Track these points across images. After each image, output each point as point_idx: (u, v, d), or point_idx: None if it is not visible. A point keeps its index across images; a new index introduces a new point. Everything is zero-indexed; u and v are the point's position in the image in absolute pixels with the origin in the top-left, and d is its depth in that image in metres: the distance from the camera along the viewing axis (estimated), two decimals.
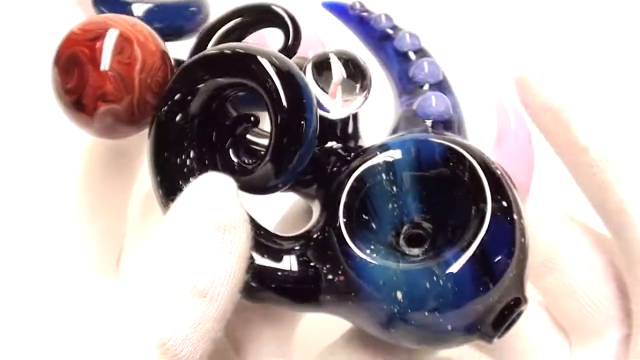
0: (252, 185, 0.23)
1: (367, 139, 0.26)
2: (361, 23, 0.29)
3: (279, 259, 0.23)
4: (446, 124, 0.25)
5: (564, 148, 0.25)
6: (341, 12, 0.29)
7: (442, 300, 0.21)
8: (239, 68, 0.22)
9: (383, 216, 0.23)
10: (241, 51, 0.22)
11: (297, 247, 0.23)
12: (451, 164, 0.22)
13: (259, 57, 0.22)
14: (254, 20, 0.26)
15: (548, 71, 0.26)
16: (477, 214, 0.21)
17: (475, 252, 0.21)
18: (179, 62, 0.26)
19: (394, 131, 0.26)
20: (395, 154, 0.23)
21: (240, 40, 0.26)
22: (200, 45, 0.26)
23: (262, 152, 0.23)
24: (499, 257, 0.21)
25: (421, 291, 0.21)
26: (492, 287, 0.21)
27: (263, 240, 0.23)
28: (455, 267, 0.21)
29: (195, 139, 0.23)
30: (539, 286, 0.26)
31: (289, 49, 0.25)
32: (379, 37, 0.28)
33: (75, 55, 0.23)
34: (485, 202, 0.21)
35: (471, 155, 0.22)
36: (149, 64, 0.24)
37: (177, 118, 0.23)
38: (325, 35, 0.29)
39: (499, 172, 0.22)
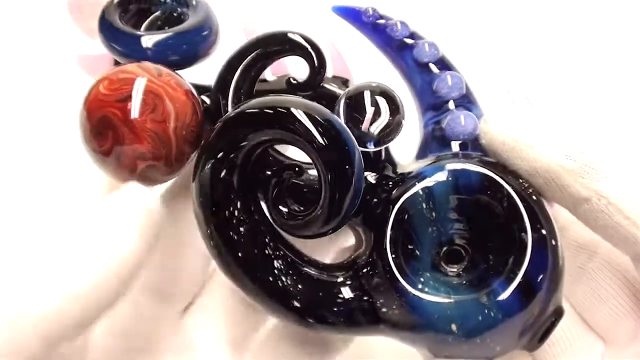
0: (304, 232, 0.23)
1: (398, 159, 0.26)
2: (376, 30, 0.28)
3: (333, 292, 0.24)
4: (474, 141, 0.26)
5: (567, 204, 0.24)
6: (354, 17, 0.29)
7: (493, 328, 0.22)
8: (280, 125, 0.22)
9: (425, 240, 0.24)
10: (281, 109, 0.22)
11: (349, 279, 0.24)
12: (489, 192, 0.23)
13: (299, 114, 0.22)
14: (274, 51, 0.25)
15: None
16: (518, 243, 0.23)
17: (520, 281, 0.22)
18: (197, 87, 0.26)
19: (423, 151, 0.26)
20: (433, 183, 0.24)
21: (262, 71, 0.26)
22: (223, 81, 0.25)
23: (311, 199, 0.23)
24: (540, 282, 0.22)
25: (474, 322, 0.22)
26: (536, 310, 0.22)
27: (312, 270, 0.24)
28: (503, 297, 0.22)
29: (240, 190, 0.23)
30: (569, 291, 0.27)
31: (316, 79, 0.25)
32: (397, 46, 0.28)
33: (107, 118, 0.23)
34: (525, 232, 0.23)
35: (507, 183, 0.23)
36: (182, 116, 0.24)
37: (222, 174, 0.23)
38: (340, 41, 0.29)
39: (534, 198, 0.23)
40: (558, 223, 0.24)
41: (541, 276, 0.22)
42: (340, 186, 0.22)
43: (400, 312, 0.23)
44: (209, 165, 0.23)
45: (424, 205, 0.24)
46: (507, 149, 0.24)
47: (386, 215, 0.24)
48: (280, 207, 0.24)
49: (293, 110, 0.22)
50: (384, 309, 0.23)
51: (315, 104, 0.22)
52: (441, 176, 0.24)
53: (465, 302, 0.23)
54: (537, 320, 0.23)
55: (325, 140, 0.22)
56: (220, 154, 0.23)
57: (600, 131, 0.25)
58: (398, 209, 0.24)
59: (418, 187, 0.24)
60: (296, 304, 0.24)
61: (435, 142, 0.26)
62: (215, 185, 0.23)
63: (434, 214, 0.24)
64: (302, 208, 0.24)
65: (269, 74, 0.29)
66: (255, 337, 0.28)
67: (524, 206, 0.23)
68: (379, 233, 0.24)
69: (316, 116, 0.22)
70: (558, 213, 0.26)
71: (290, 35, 0.25)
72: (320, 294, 0.24)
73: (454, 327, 0.22)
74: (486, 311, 0.22)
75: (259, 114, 0.22)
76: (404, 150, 0.27)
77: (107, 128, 0.23)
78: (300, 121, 0.22)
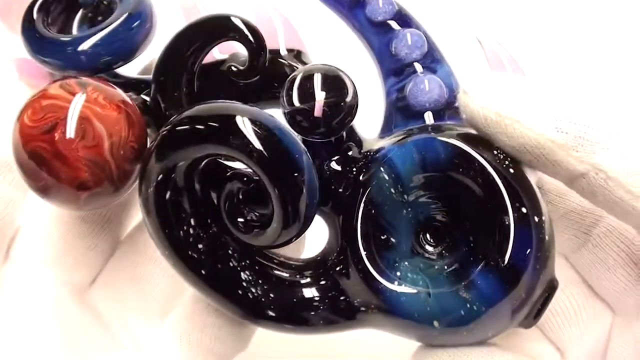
0: (266, 243, 0.22)
1: (364, 134, 0.24)
2: None
3: (307, 296, 0.23)
4: (444, 108, 0.23)
5: (562, 179, 0.22)
6: None
7: (477, 319, 0.21)
8: (215, 141, 0.20)
9: (400, 225, 0.22)
10: (214, 123, 0.20)
11: (323, 279, 0.23)
12: (461, 168, 0.21)
13: (234, 127, 0.20)
14: (214, 35, 0.23)
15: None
16: (498, 226, 0.21)
17: (502, 268, 0.21)
18: (138, 83, 0.24)
19: (387, 124, 0.24)
20: (399, 164, 0.22)
21: (202, 59, 0.24)
22: (160, 77, 0.23)
23: (265, 213, 0.22)
24: (525, 263, 0.21)
25: (456, 316, 0.21)
26: (523, 292, 0.21)
27: (285, 273, 0.23)
28: (484, 287, 0.21)
29: (192, 206, 0.22)
30: (573, 258, 0.25)
31: (258, 63, 0.23)
32: (348, 5, 0.25)
33: (37, 154, 0.21)
34: (506, 213, 0.21)
35: (481, 156, 0.21)
36: (116, 134, 0.22)
37: (167, 196, 0.22)
38: (287, 6, 0.26)
39: (512, 171, 0.21)
40: (557, 188, 0.22)
41: (525, 258, 0.21)
42: (292, 195, 0.20)
43: (379, 311, 0.22)
44: (151, 190, 0.21)
45: (392, 191, 0.22)
46: (491, 124, 0.21)
47: (353, 208, 0.22)
48: (238, 219, 0.22)
49: (227, 123, 0.20)
50: (362, 308, 0.22)
51: (249, 111, 0.20)
52: (406, 155, 0.22)
53: (445, 296, 0.21)
54: (527, 300, 0.21)
55: (267, 153, 0.20)
56: (160, 177, 0.21)
57: (595, 97, 0.22)
58: (365, 200, 0.22)
59: (384, 172, 0.22)
60: (270, 313, 0.22)
61: (399, 113, 0.24)
62: (162, 208, 0.22)
63: (405, 197, 0.22)
64: (260, 213, 0.22)
65: (217, 52, 0.26)
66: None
67: (502, 182, 0.21)
68: (349, 227, 0.22)
69: (254, 127, 0.20)
70: None
71: (220, 19, 0.23)
72: (294, 299, 0.23)
73: (436, 323, 0.21)
74: (468, 305, 0.21)
75: (190, 131, 0.20)
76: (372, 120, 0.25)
77: (39, 164, 0.21)
78: (236, 134, 0.20)
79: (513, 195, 0.21)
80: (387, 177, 0.22)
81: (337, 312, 0.23)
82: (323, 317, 0.23)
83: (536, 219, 0.21)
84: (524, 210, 0.21)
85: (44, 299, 0.25)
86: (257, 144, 0.20)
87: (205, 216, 0.22)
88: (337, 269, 0.23)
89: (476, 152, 0.21)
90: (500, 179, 0.21)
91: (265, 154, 0.20)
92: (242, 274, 0.22)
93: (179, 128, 0.21)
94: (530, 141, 0.21)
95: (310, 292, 0.23)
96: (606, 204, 0.21)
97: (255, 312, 0.22)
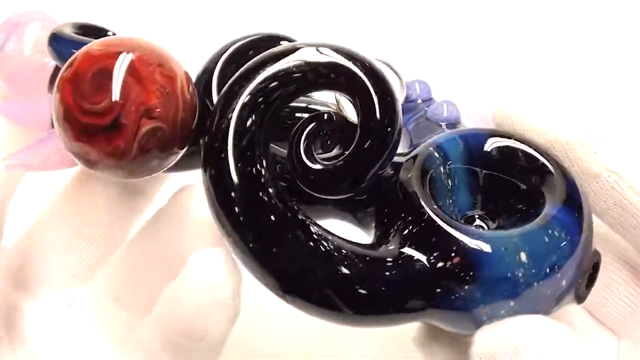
0: (327, 183, 0.21)
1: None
2: None
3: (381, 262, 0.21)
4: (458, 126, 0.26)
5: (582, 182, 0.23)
6: None
7: (559, 251, 0.21)
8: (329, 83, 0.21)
9: (458, 195, 0.23)
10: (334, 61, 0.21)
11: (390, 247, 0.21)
12: (500, 147, 0.23)
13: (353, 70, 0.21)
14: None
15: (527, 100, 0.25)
16: (547, 178, 0.22)
17: (566, 201, 0.22)
18: None
19: (414, 146, 0.26)
20: (446, 147, 0.23)
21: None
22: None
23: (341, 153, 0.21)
24: (582, 206, 0.22)
25: (542, 246, 0.21)
26: (586, 235, 0.22)
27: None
28: (561, 217, 0.21)
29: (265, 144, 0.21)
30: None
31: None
32: None
33: (106, 69, 0.20)
34: (552, 166, 0.23)
35: (519, 141, 0.23)
36: (185, 80, 0.21)
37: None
38: None
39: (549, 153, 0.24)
40: None
41: (580, 201, 0.22)
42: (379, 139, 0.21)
43: (461, 258, 0.21)
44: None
45: (442, 169, 0.23)
46: (524, 122, 0.23)
47: (409, 178, 0.22)
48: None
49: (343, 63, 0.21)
50: (440, 264, 0.21)
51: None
52: (451, 140, 0.23)
53: (529, 229, 0.21)
54: (588, 250, 0.22)
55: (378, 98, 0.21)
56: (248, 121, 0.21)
57: (603, 102, 0.25)
58: (418, 166, 0.23)
59: (433, 151, 0.23)
60: (362, 291, 0.20)
61: (426, 130, 0.26)
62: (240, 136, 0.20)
63: (450, 182, 0.23)
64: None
65: None
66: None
67: (541, 155, 0.23)
68: (410, 199, 0.22)
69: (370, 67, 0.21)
70: None
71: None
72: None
73: (523, 256, 0.20)
74: (550, 232, 0.21)
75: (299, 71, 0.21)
76: None
77: (106, 79, 0.20)
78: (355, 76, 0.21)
79: (552, 161, 0.23)
80: (437, 155, 0.23)
81: (414, 276, 0.21)
82: (402, 298, 0.21)
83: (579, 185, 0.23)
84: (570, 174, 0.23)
85: None
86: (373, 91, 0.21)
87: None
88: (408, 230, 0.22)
89: (512, 138, 0.24)
90: (539, 153, 0.23)
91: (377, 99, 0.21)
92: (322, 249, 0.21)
93: (285, 69, 0.21)
94: (558, 138, 0.23)
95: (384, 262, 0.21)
96: (615, 209, 0.23)
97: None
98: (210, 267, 0.21)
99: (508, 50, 0.41)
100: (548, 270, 0.21)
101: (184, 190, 0.25)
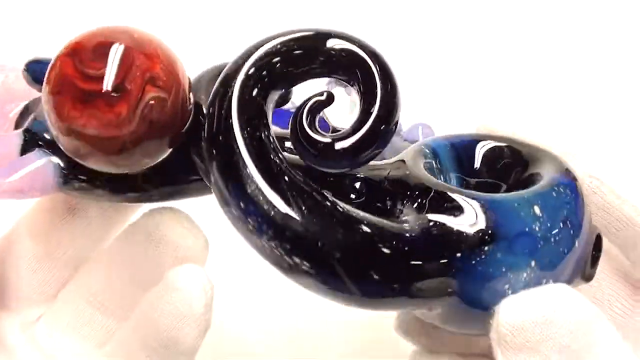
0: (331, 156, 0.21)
1: None
2: None
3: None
4: None
5: None
6: None
7: (568, 206, 0.21)
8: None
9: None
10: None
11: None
12: (486, 144, 0.24)
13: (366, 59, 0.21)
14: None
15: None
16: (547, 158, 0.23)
17: (563, 171, 0.22)
18: None
19: None
20: (435, 146, 0.24)
21: None
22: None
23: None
24: (577, 178, 0.23)
25: (552, 200, 0.21)
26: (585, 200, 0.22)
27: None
28: (562, 180, 0.22)
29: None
30: None
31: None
32: None
33: (108, 41, 0.20)
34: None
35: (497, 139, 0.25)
36: (183, 68, 0.21)
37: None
38: None
39: None
40: None
41: (573, 174, 0.22)
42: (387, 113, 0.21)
43: (476, 219, 0.20)
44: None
45: (434, 164, 0.23)
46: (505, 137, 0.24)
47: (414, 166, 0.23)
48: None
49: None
50: (456, 227, 0.20)
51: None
52: (439, 142, 0.24)
53: (538, 188, 0.21)
54: (589, 215, 0.22)
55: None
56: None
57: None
58: (413, 155, 0.23)
59: (425, 148, 0.24)
60: (386, 250, 0.19)
61: (401, 150, 0.26)
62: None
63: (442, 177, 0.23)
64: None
65: None
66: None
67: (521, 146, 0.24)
68: (408, 180, 0.22)
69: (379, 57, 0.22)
70: None
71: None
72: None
73: (537, 209, 0.20)
74: (557, 188, 0.21)
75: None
76: None
77: (109, 48, 0.19)
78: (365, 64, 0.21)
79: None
80: (428, 151, 0.23)
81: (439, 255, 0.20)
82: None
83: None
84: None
85: None
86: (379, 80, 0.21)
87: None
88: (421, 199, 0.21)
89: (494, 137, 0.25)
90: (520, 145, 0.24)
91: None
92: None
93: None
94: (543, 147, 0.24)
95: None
96: (599, 214, 0.24)
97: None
98: (188, 281, 0.22)
99: (491, 63, 0.43)
100: (562, 224, 0.21)
101: (153, 212, 0.25)
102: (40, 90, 0.23)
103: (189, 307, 0.21)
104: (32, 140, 0.23)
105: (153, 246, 0.24)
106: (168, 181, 0.24)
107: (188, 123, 0.21)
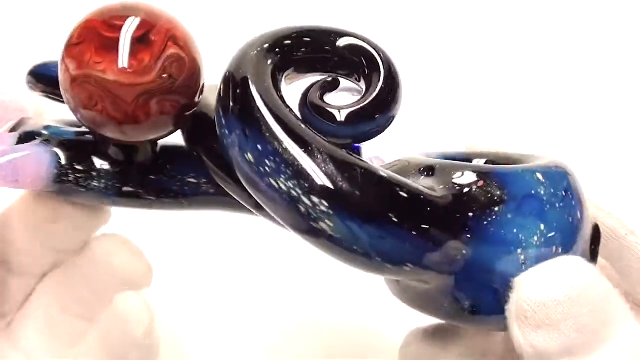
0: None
1: None
2: None
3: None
4: None
5: None
6: None
7: (565, 180, 0.22)
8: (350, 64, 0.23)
9: None
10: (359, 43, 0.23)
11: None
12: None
13: (375, 53, 0.23)
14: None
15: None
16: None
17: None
18: None
19: None
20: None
21: None
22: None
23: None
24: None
25: (552, 172, 0.22)
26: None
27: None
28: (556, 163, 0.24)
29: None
30: None
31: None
32: None
33: (134, 4, 0.21)
34: None
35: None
36: (198, 52, 0.23)
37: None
38: None
39: None
40: None
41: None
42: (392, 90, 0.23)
43: (483, 181, 0.22)
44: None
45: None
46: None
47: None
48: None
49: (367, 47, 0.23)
50: (466, 189, 0.22)
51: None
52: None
53: (533, 164, 0.23)
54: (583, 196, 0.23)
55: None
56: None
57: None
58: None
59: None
60: (403, 194, 0.21)
61: None
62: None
63: None
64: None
65: None
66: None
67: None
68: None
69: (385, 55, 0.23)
70: None
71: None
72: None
73: (539, 175, 0.22)
74: (552, 165, 0.23)
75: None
76: None
77: (134, 9, 0.21)
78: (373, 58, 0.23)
79: None
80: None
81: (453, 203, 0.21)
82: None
83: None
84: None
85: None
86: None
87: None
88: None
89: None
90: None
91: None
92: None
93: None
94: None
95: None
96: None
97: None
98: (129, 310, 0.24)
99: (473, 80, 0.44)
100: (564, 193, 0.22)
101: (101, 238, 0.27)
102: (42, 92, 0.25)
103: (131, 333, 0.23)
104: (28, 138, 0.24)
105: (102, 269, 0.26)
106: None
107: (197, 96, 0.22)
